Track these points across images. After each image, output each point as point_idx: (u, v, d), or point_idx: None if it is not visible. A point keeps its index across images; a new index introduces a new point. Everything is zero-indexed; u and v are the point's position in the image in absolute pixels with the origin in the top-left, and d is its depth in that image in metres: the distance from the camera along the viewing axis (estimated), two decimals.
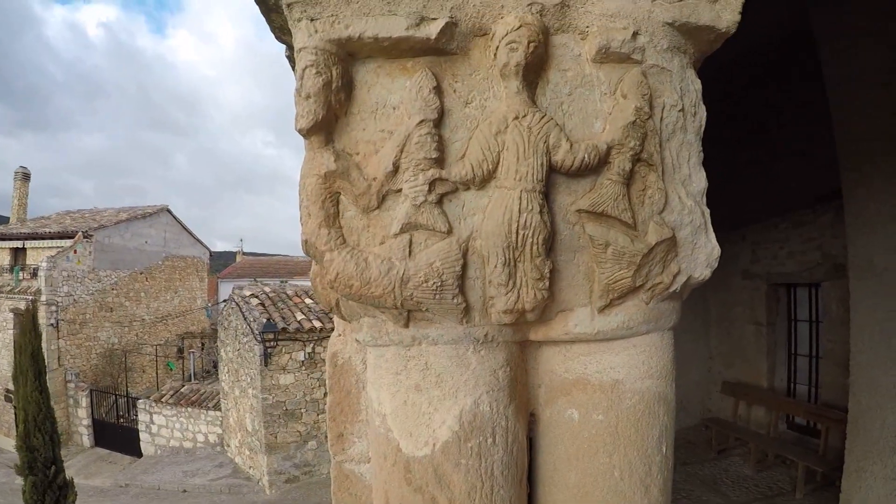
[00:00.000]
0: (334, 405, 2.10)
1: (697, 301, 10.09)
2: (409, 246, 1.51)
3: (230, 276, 37.28)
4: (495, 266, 1.52)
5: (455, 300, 1.52)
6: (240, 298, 14.65)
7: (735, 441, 9.18)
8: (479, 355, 1.61)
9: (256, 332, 12.82)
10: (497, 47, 1.49)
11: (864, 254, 5.41)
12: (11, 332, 19.13)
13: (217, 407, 16.29)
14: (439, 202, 1.51)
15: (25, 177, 25.32)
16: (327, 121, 1.49)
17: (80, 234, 21.49)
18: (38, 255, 21.45)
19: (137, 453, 17.26)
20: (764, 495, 7.58)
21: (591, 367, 1.71)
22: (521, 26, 1.46)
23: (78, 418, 19.06)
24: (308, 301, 14.71)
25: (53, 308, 19.89)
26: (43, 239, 21.95)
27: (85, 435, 18.95)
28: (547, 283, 1.55)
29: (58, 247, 21.24)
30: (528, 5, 1.50)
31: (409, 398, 1.62)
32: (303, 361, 13.12)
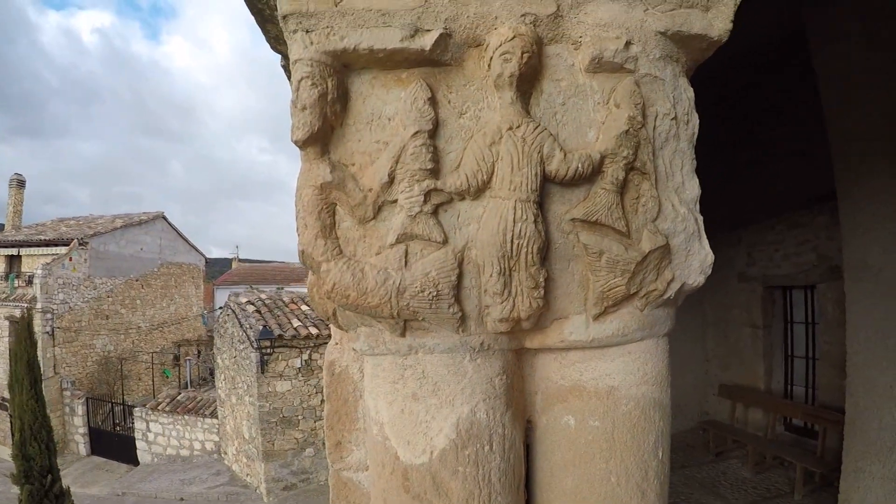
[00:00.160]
0: (332, 414, 2.10)
1: (694, 304, 10.11)
2: (405, 256, 1.52)
3: (226, 283, 37.21)
4: (490, 275, 1.53)
5: (451, 309, 1.53)
6: (236, 305, 14.62)
7: (733, 443, 9.19)
8: (475, 364, 1.62)
9: (253, 339, 12.80)
10: (491, 58, 1.50)
11: (859, 255, 5.44)
12: (6, 340, 19.05)
13: (214, 414, 16.24)
14: (435, 212, 1.52)
15: (20, 184, 25.25)
16: (323, 132, 1.49)
17: (75, 241, 21.45)
18: (33, 262, 21.39)
19: (134, 461, 17.20)
20: (762, 497, 7.59)
21: (587, 374, 1.72)
22: (514, 37, 1.47)
23: (74, 426, 18.98)
24: (304, 308, 14.69)
25: (49, 316, 19.84)
26: (38, 246, 21.90)
27: (81, 443, 18.87)
28: (542, 292, 1.57)
29: (53, 254, 21.20)
30: (522, 16, 1.51)
31: (406, 407, 1.63)
32: (299, 368, 13.10)
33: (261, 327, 12.98)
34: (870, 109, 5.07)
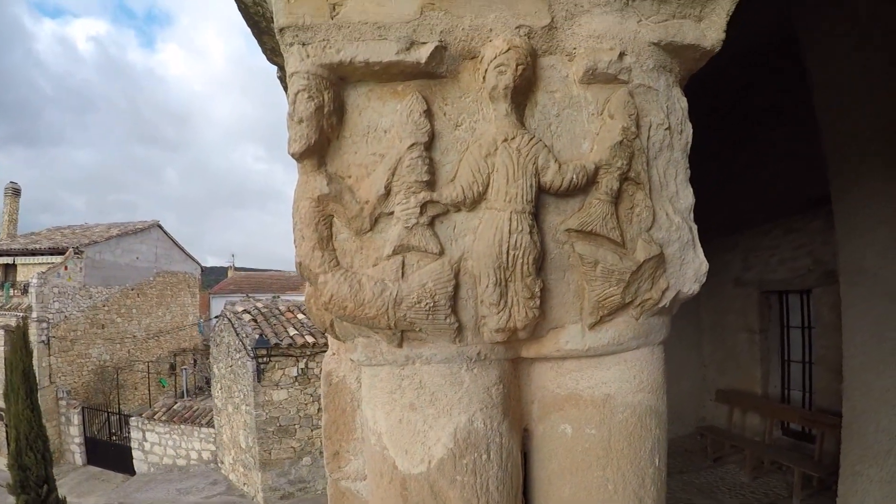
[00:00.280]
0: (330, 424, 2.11)
1: (690, 310, 10.13)
2: (402, 267, 1.53)
3: (222, 292, 37.15)
4: (487, 286, 1.53)
5: (448, 320, 1.54)
6: (232, 314, 14.60)
7: (731, 448, 9.20)
8: (472, 373, 1.62)
9: (249, 348, 12.78)
10: (486, 70, 1.51)
11: (855, 259, 5.45)
12: (2, 349, 18.99)
13: (210, 424, 16.19)
14: (431, 224, 1.53)
15: (16, 192, 25.21)
16: (320, 144, 1.50)
17: (70, 250, 21.41)
18: (28, 271, 21.34)
19: (130, 471, 17.14)
20: (761, 502, 7.60)
21: (583, 383, 1.73)
22: (509, 49, 1.48)
23: (70, 436, 18.92)
24: (300, 316, 14.68)
25: (44, 325, 19.78)
26: (33, 255, 21.86)
27: (77, 453, 18.80)
28: (538, 302, 1.57)
29: (48, 263, 21.16)
30: (517, 28, 1.52)
31: (404, 416, 1.63)
32: (296, 377, 13.08)
33: (257, 336, 12.96)
34: (863, 113, 5.09)
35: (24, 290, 20.35)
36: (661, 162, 1.66)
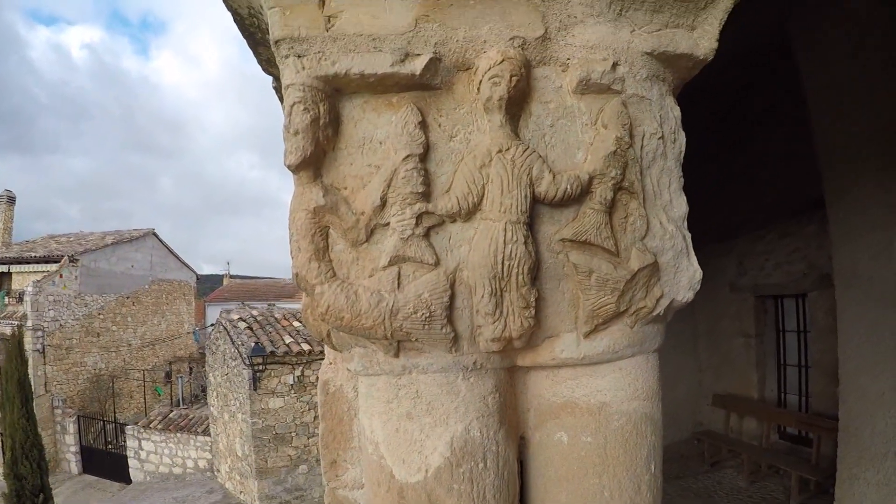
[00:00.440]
0: (327, 432, 2.11)
1: (686, 315, 10.15)
2: (398, 278, 1.54)
3: (217, 300, 37.08)
4: (482, 296, 1.55)
5: (444, 330, 1.55)
6: (227, 322, 14.55)
7: (728, 453, 9.19)
8: (468, 382, 1.63)
9: (245, 355, 12.74)
10: (480, 81, 1.52)
11: (849, 263, 5.47)
12: None
13: (206, 432, 16.12)
14: (426, 235, 1.54)
15: (10, 200, 25.12)
16: (316, 156, 1.51)
17: (65, 258, 21.34)
18: (23, 279, 21.27)
19: (126, 480, 17.03)
20: None
21: (579, 391, 1.74)
22: (503, 60, 1.49)
23: (65, 445, 18.80)
24: (296, 324, 14.63)
25: (40, 333, 19.69)
26: (28, 263, 21.79)
27: (73, 462, 18.69)
28: (533, 311, 1.59)
29: (44, 271, 21.08)
30: (510, 39, 1.54)
31: (401, 426, 1.64)
32: (292, 385, 13.03)
33: (253, 344, 12.92)
34: (858, 117, 5.12)
35: (19, 299, 20.27)
36: (654, 171, 1.68)
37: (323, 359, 2.15)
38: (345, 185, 1.56)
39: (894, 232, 4.98)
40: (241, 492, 13.98)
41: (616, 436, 1.73)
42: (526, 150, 1.54)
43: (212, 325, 17.38)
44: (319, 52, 1.49)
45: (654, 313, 1.71)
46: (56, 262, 21.34)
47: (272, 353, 12.83)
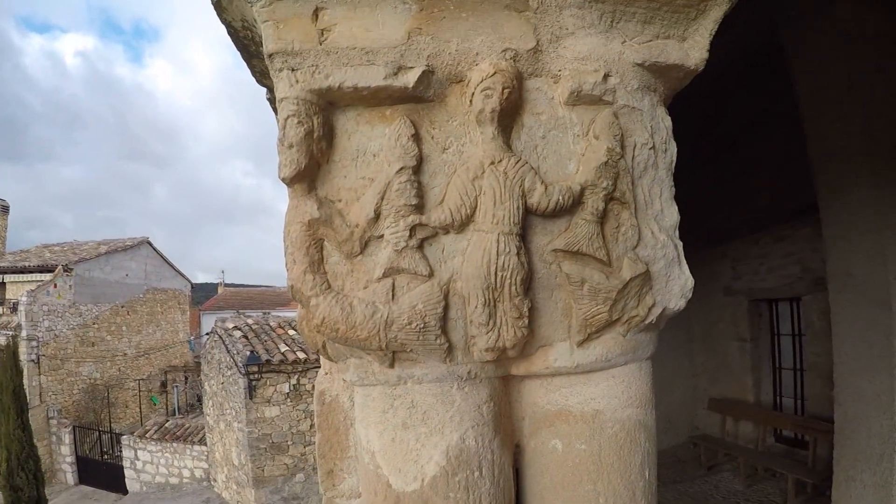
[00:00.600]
0: (323, 442, 2.11)
1: (681, 320, 10.14)
2: (393, 290, 1.54)
3: (212, 309, 37.00)
4: (476, 307, 1.55)
5: (438, 340, 1.56)
6: (223, 331, 14.51)
7: (724, 457, 9.21)
8: (463, 392, 1.64)
9: (240, 364, 12.70)
10: (472, 94, 1.54)
11: (843, 266, 5.51)
12: None
13: (202, 441, 16.06)
14: (420, 246, 1.55)
15: (4, 209, 25.01)
16: (310, 169, 1.52)
17: (60, 267, 21.27)
18: (17, 289, 21.16)
19: (123, 490, 16.94)
20: None
21: (573, 399, 1.75)
22: (495, 73, 1.50)
23: (61, 455, 18.71)
24: (291, 332, 14.59)
25: (34, 343, 19.60)
26: (22, 273, 21.70)
27: (69, 472, 18.59)
28: (526, 321, 1.60)
29: (38, 281, 20.99)
30: (503, 51, 1.55)
31: (396, 435, 1.65)
32: (288, 393, 12.99)
33: (248, 353, 12.88)
34: (850, 122, 5.16)
35: (14, 309, 20.17)
36: (645, 181, 1.70)
37: (318, 367, 2.15)
38: (339, 198, 1.57)
39: (887, 234, 5.02)
40: (238, 501, 13.91)
41: (610, 443, 1.74)
42: (518, 161, 1.55)
43: (207, 333, 17.34)
44: (313, 65, 1.50)
45: (647, 322, 1.72)
46: (50, 271, 21.26)
47: (268, 361, 12.80)
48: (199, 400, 21.52)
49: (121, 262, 24.97)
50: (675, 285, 1.75)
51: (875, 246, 5.12)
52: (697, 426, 10.49)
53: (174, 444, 16.44)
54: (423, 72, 1.51)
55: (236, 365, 12.88)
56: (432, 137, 1.58)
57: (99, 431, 20.27)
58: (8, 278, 21.89)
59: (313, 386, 2.18)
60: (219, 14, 1.82)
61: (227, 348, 13.59)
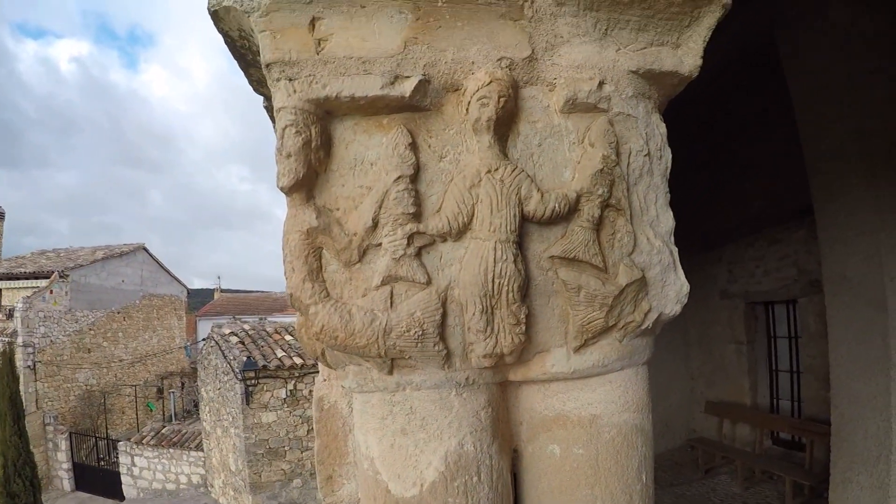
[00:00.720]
0: (322, 448, 2.12)
1: (677, 323, 10.09)
2: (391, 297, 1.55)
3: (209, 314, 36.91)
4: (473, 314, 1.57)
5: (436, 347, 1.57)
6: (219, 337, 14.49)
7: (721, 460, 9.22)
8: (461, 398, 1.65)
9: (237, 370, 12.68)
10: (469, 103, 1.55)
11: (838, 268, 5.53)
12: None
13: (199, 447, 16.03)
14: (418, 254, 1.56)
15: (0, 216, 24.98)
16: (308, 178, 1.53)
17: (56, 273, 21.24)
18: (13, 295, 21.13)
19: (119, 496, 16.91)
20: None
21: (570, 404, 1.76)
22: (491, 81, 1.51)
23: (58, 462, 18.67)
24: (288, 338, 14.57)
25: (30, 350, 19.58)
26: (18, 279, 21.66)
27: (65, 479, 18.56)
28: (523, 328, 1.61)
29: (34, 287, 20.97)
30: (498, 60, 1.56)
31: (395, 441, 1.65)
32: (284, 399, 12.96)
33: (245, 358, 12.87)
34: (844, 124, 5.19)
35: (10, 315, 20.14)
36: (641, 188, 1.71)
37: (315, 372, 2.17)
38: (337, 207, 1.58)
39: (882, 236, 5.05)
40: None
41: (607, 447, 1.75)
42: (514, 169, 1.56)
43: (203, 339, 17.31)
44: (310, 75, 1.51)
45: (643, 327, 1.74)
46: (46, 277, 21.23)
47: (264, 367, 12.78)
48: (196, 406, 21.47)
49: (117, 268, 24.95)
50: (671, 291, 1.77)
51: (870, 248, 5.15)
52: (694, 429, 10.51)
53: (171, 450, 16.41)
54: (420, 81, 1.52)
55: (233, 370, 12.87)
56: (429, 146, 1.59)
57: (95, 438, 20.22)
58: (3, 285, 21.85)
59: (310, 391, 2.19)
60: (216, 24, 1.83)
61: (223, 354, 13.58)
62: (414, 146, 1.56)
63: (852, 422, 5.42)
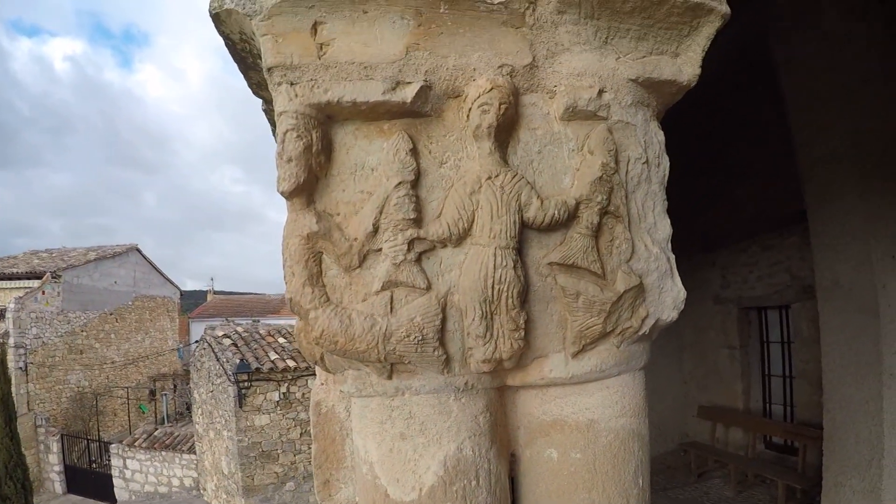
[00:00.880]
0: (319, 453, 2.12)
1: (671, 328, 10.17)
2: (391, 302, 1.56)
3: (202, 316, 36.81)
4: (473, 319, 1.57)
5: (436, 352, 1.58)
6: (212, 339, 14.45)
7: (714, 463, 9.26)
8: (460, 403, 1.66)
9: (230, 372, 12.64)
10: (470, 109, 1.55)
11: (830, 274, 5.57)
12: None
13: (192, 450, 15.97)
14: (418, 260, 1.56)
15: None
16: (308, 183, 1.53)
17: (48, 274, 21.13)
18: (5, 296, 21.00)
19: (111, 499, 16.82)
20: None
21: (568, 409, 1.77)
22: (492, 88, 1.52)
23: (49, 464, 18.55)
24: (281, 340, 14.55)
25: (22, 351, 19.47)
26: (10, 279, 21.53)
27: (57, 481, 18.44)
28: (522, 333, 1.62)
29: (25, 287, 20.86)
30: (499, 67, 1.57)
31: (394, 446, 1.66)
32: (277, 401, 12.93)
33: (238, 361, 12.83)
34: (837, 131, 5.24)
35: (1, 316, 20.01)
36: (639, 195, 1.73)
37: (309, 375, 2.17)
38: (337, 212, 1.58)
39: (874, 242, 5.08)
40: None
41: (604, 452, 1.76)
42: (514, 176, 1.57)
43: (196, 341, 17.25)
44: (312, 79, 1.51)
45: (640, 333, 1.75)
46: (38, 278, 21.12)
47: (257, 369, 12.75)
48: (189, 408, 21.39)
49: (109, 269, 24.84)
50: (668, 297, 1.78)
51: (862, 254, 5.18)
52: (688, 433, 10.54)
53: (163, 453, 16.34)
54: (421, 87, 1.52)
55: (226, 373, 12.82)
56: (430, 152, 1.59)
57: (87, 440, 20.12)
58: None
59: (303, 394, 2.19)
60: (217, 26, 1.83)
61: (216, 356, 13.53)
62: (415, 152, 1.56)
63: (844, 426, 5.45)
